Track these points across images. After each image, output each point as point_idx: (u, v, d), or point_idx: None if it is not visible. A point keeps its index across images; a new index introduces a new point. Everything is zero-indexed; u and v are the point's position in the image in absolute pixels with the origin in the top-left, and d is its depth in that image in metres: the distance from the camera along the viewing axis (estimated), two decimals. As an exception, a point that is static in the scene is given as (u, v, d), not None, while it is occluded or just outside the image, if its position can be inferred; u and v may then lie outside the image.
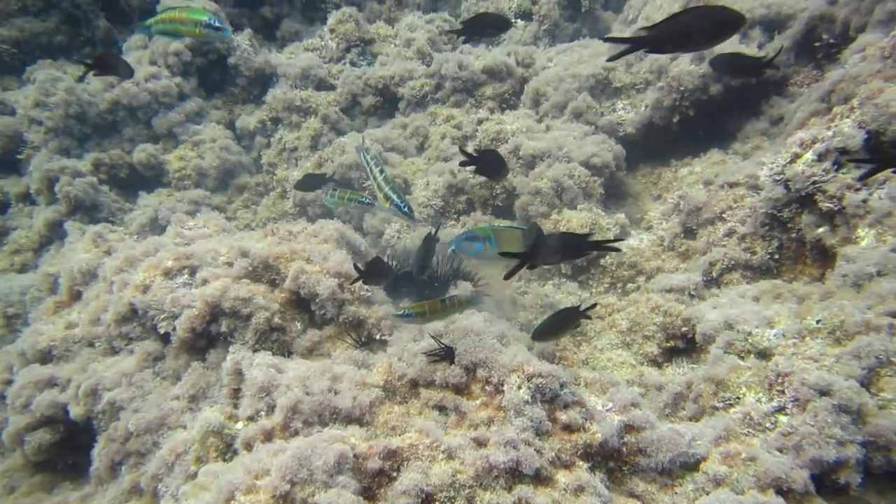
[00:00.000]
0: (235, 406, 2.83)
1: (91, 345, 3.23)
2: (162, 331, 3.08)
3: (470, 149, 4.45)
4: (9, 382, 3.36)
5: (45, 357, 3.28)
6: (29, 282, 4.69)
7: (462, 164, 3.07)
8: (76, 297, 3.53)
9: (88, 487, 2.94)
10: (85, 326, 3.26)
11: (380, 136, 5.61)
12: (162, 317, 3.04)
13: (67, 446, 3.10)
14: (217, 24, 3.16)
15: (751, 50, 4.63)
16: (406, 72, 6.09)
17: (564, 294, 4.26)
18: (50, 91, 5.76)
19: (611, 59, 2.43)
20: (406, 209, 3.61)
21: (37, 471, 3.10)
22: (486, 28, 4.26)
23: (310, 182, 4.74)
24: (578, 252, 2.64)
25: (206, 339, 3.09)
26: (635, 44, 2.09)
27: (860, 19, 4.05)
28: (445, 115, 5.76)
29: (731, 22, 2.15)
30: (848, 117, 3.28)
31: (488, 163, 3.14)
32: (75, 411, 2.97)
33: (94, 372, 3.02)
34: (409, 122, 5.87)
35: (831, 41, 4.37)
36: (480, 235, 3.28)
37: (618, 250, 3.63)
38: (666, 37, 2.05)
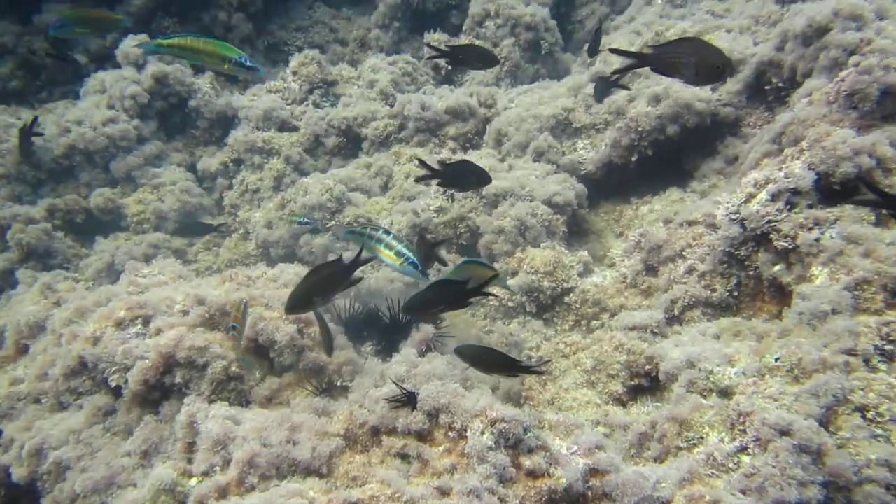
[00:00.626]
0: (190, 461, 2.73)
1: (37, 401, 3.09)
2: (113, 384, 2.98)
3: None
4: (-52, 442, 3.20)
5: (-12, 415, 3.13)
6: (-24, 333, 4.50)
7: (418, 179, 3.07)
8: (23, 351, 3.39)
9: (30, 554, 2.79)
10: (31, 382, 3.12)
11: (343, 175, 5.60)
12: (113, 369, 2.94)
13: (9, 511, 2.95)
14: (249, 64, 3.09)
15: (705, 92, 4.76)
16: (369, 112, 6.12)
17: (529, 332, 4.25)
18: (2, 137, 5.64)
19: (615, 73, 2.49)
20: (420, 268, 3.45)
21: (-24, 537, 2.93)
22: (473, 60, 4.27)
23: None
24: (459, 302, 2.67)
25: (160, 392, 3.00)
26: (639, 59, 2.16)
27: (806, 65, 4.21)
28: (409, 155, 5.78)
29: (718, 70, 2.23)
30: (798, 159, 3.37)
31: (454, 174, 3.09)
32: (18, 473, 2.83)
33: (40, 430, 2.89)
34: (373, 161, 5.87)
35: (780, 85, 4.53)
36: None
37: (491, 294, 3.54)
38: (665, 59, 2.13)
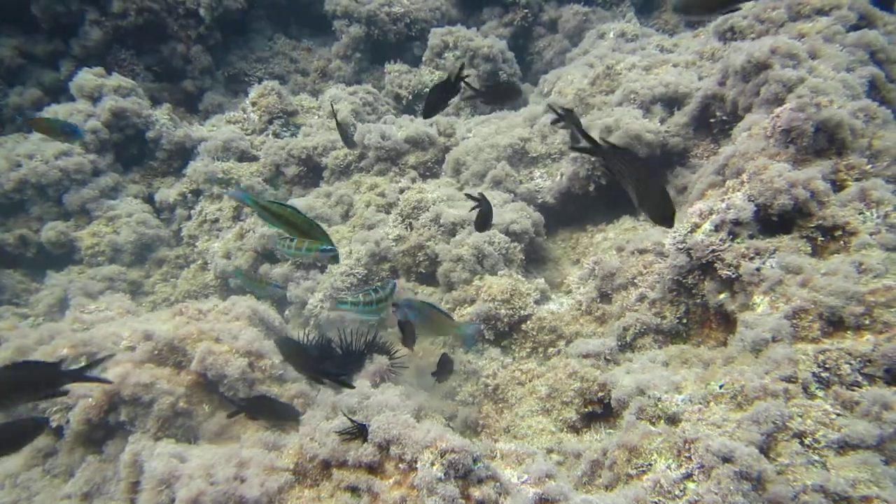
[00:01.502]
0: (133, 502, 2.66)
1: (-26, 443, 2.99)
2: (55, 424, 2.89)
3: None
4: None
5: (-80, 459, 3.01)
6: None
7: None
8: (-39, 390, 3.28)
9: None
10: (-32, 422, 3.02)
11: (303, 205, 5.60)
12: (54, 409, 2.86)
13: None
14: (328, 248, 3.23)
15: (654, 124, 4.90)
16: (329, 142, 6.16)
17: (487, 360, 4.26)
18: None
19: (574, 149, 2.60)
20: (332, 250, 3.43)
21: None
22: (504, 96, 4.34)
23: None
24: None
25: (103, 430, 2.93)
26: (594, 149, 2.21)
27: (746, 100, 4.37)
28: (370, 184, 5.82)
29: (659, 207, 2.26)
30: (739, 191, 3.48)
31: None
32: (-50, 520, 2.73)
33: (-24, 473, 2.79)
34: (334, 190, 5.89)
35: (724, 118, 4.69)
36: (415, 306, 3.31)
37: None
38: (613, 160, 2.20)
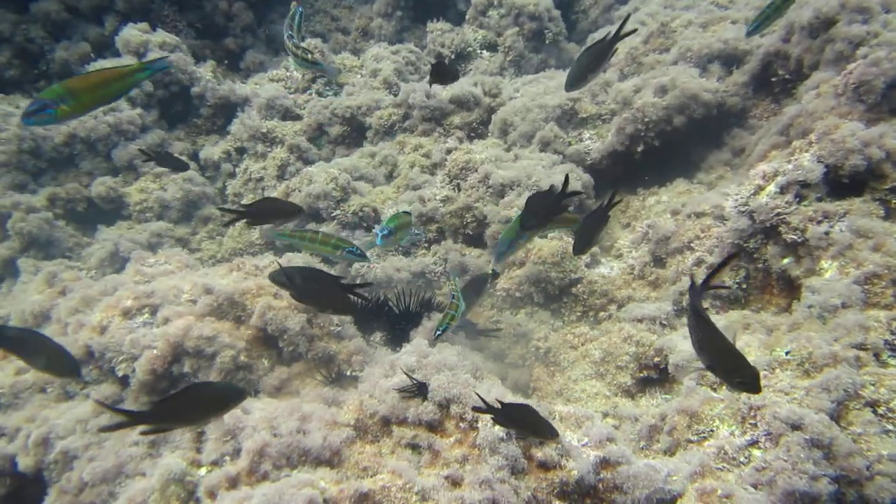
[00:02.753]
0: (199, 451, 2.72)
1: (43, 391, 3.07)
2: (120, 373, 2.96)
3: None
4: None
5: (-6, 405, 3.12)
6: (-22, 321, 4.47)
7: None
8: (29, 339, 3.36)
9: (39, 544, 2.78)
10: (36, 372, 3.10)
11: (348, 165, 5.57)
12: (121, 359, 2.92)
13: (15, 500, 2.92)
14: (359, 252, 3.35)
15: (711, 83, 4.72)
16: (373, 101, 6.09)
17: (537, 323, 4.24)
18: (1, 126, 5.58)
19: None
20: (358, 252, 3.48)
21: (-17, 527, 2.92)
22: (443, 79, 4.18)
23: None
24: None
25: (167, 381, 2.98)
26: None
27: (812, 57, 4.18)
28: (414, 144, 5.75)
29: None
30: (807, 151, 3.36)
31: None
32: (24, 462, 2.81)
33: (46, 420, 2.87)
34: (378, 150, 5.84)
35: (787, 77, 4.51)
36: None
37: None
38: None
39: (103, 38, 6.85)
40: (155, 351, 2.90)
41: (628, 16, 3.74)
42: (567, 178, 3.12)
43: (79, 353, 2.98)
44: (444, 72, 4.05)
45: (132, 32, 6.11)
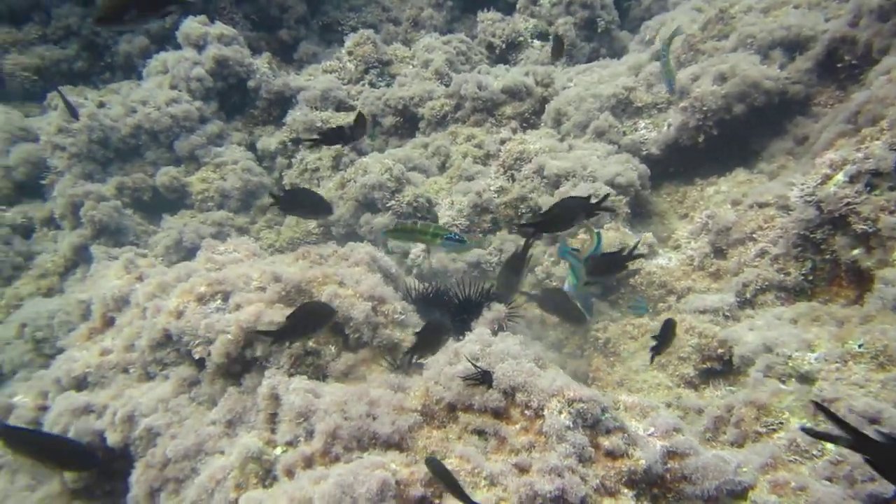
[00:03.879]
0: (273, 431, 2.82)
1: (126, 371, 3.22)
2: (197, 356, 3.08)
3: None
4: (43, 409, 3.36)
5: (80, 384, 3.28)
6: (56, 306, 4.70)
7: None
8: (109, 323, 3.53)
9: (126, 515, 2.94)
10: (119, 353, 3.26)
11: (401, 155, 5.63)
12: (197, 342, 3.04)
13: (104, 473, 3.09)
14: (457, 238, 3.48)
15: (773, 70, 4.62)
16: (425, 92, 6.14)
17: (595, 313, 4.24)
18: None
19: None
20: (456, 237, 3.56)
21: (74, 498, 3.08)
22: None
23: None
24: None
25: (240, 364, 3.09)
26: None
27: (882, 41, 4.06)
28: (466, 135, 5.79)
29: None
30: (878, 139, 3.27)
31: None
32: (112, 438, 2.96)
33: (130, 398, 3.01)
34: (430, 141, 5.89)
35: (853, 62, 4.38)
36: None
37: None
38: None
39: (164, 31, 7.06)
40: (229, 336, 3.00)
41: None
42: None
43: (158, 335, 3.12)
44: None
45: (192, 25, 6.28)
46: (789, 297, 3.53)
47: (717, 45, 5.27)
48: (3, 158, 5.91)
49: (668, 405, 3.19)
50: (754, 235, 3.84)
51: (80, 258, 5.46)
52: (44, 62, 7.11)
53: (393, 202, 5.23)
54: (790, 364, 2.87)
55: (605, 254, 3.34)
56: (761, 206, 3.93)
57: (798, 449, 2.52)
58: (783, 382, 2.84)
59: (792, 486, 2.33)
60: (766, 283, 3.58)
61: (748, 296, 3.61)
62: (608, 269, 3.25)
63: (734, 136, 4.83)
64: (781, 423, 2.69)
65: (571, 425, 2.57)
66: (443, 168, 5.75)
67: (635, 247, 3.20)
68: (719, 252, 4.04)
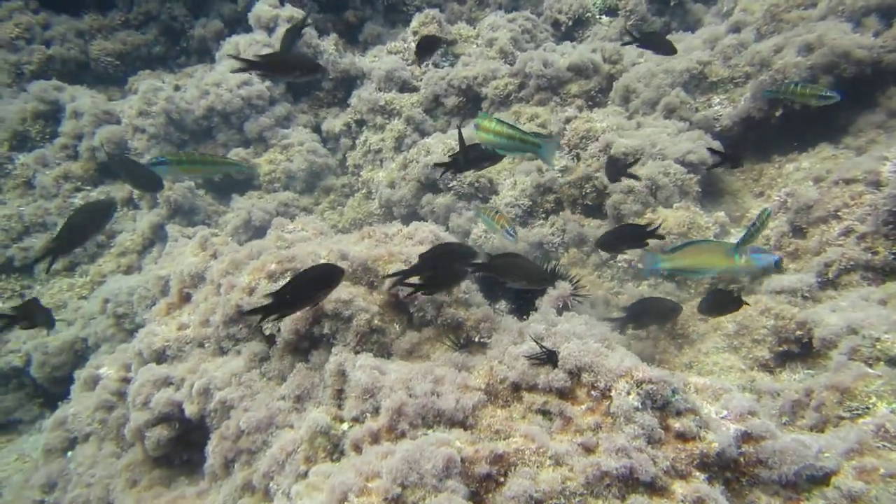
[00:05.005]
0: (340, 407, 2.87)
1: (201, 345, 3.35)
2: (267, 332, 3.16)
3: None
4: (125, 380, 3.54)
5: (160, 357, 3.43)
6: (136, 282, 4.93)
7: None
8: (186, 299, 3.67)
9: (203, 483, 3.05)
10: (195, 328, 3.38)
11: (465, 135, 5.58)
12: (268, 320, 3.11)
13: (182, 443, 3.23)
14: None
15: (866, 38, 4.33)
16: (489, 71, 6.06)
17: (661, 294, 4.12)
18: (151, 100, 6.05)
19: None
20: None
21: (155, 466, 3.24)
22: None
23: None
24: None
25: (308, 341, 3.15)
26: None
27: None
28: (530, 114, 5.69)
29: None
30: None
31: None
32: (190, 409, 3.09)
33: (205, 372, 3.13)
34: (494, 121, 5.82)
35: (960, 25, 4.05)
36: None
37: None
38: None
39: (237, 14, 7.22)
40: (298, 313, 3.07)
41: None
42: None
43: (231, 312, 3.22)
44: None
45: (263, 8, 6.40)
46: (877, 278, 3.33)
47: (802, 14, 4.98)
48: (89, 140, 6.21)
49: (742, 388, 3.08)
50: (839, 213, 3.64)
51: (156, 237, 5.71)
52: (126, 47, 7.40)
53: (454, 182, 5.21)
54: (878, 346, 2.70)
55: (629, 224, 3.47)
56: (848, 182, 3.71)
57: (888, 435, 2.38)
58: (870, 366, 2.68)
59: (881, 472, 2.21)
60: (852, 262, 3.38)
61: (831, 276, 3.43)
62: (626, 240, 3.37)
63: (819, 109, 4.56)
64: (868, 408, 2.55)
65: (640, 406, 2.51)
66: (507, 148, 5.67)
67: (658, 227, 3.29)
68: (798, 231, 3.84)
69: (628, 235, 3.38)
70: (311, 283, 2.70)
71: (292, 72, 3.29)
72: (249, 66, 3.23)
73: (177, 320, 3.48)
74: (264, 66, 3.26)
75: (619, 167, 3.93)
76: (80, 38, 7.27)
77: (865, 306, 2.98)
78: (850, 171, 3.69)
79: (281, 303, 2.62)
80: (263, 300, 2.86)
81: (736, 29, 5.28)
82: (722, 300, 3.15)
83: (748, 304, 3.20)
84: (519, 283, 3.15)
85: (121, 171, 3.53)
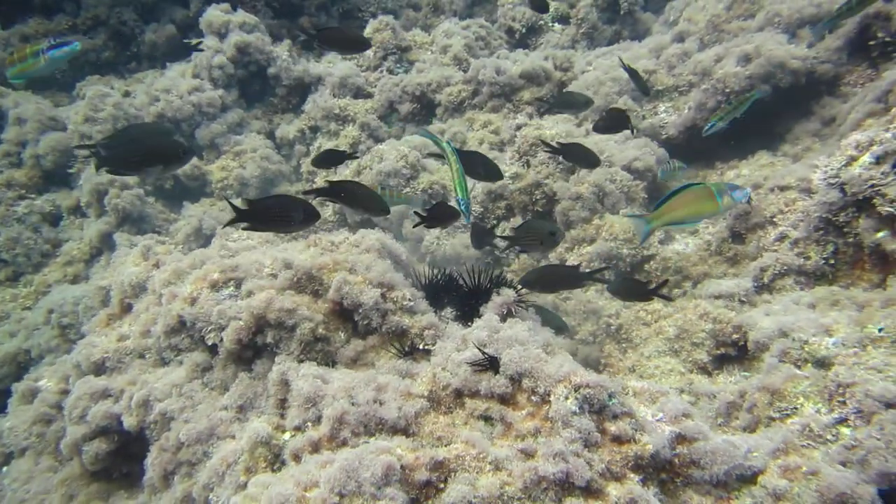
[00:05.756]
0: (282, 416, 2.85)
1: (142, 356, 3.29)
2: (210, 342, 3.12)
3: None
4: (65, 392, 3.46)
5: (99, 368, 3.35)
6: (81, 292, 4.82)
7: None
8: (127, 309, 3.60)
9: (142, 497, 3.00)
10: (136, 338, 3.32)
11: (418, 142, 5.62)
12: (209, 328, 3.08)
13: (121, 456, 3.16)
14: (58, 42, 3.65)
15: (801, 49, 4.49)
16: (443, 78, 6.10)
17: (608, 300, 4.20)
18: (99, 106, 5.93)
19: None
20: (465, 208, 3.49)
21: (93, 480, 3.17)
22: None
23: (329, 158, 4.11)
24: None
25: (252, 350, 3.12)
26: None
27: (918, 15, 3.91)
28: (483, 121, 5.75)
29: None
30: (908, 118, 3.16)
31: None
32: (129, 422, 3.03)
33: (146, 383, 3.07)
34: (447, 128, 5.86)
35: (887, 39, 4.23)
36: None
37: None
38: None
39: (189, 20, 7.14)
40: (241, 322, 3.04)
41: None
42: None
43: (172, 322, 3.17)
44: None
45: (215, 13, 6.34)
46: (809, 282, 3.45)
47: (742, 25, 5.14)
48: (34, 147, 6.05)
49: (681, 391, 3.15)
50: (774, 219, 3.75)
51: (104, 246, 5.59)
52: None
53: (408, 189, 5.22)
54: (806, 349, 2.80)
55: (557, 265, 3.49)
56: (782, 189, 3.83)
57: (812, 434, 2.47)
58: (799, 367, 2.77)
59: (803, 470, 2.28)
60: (785, 267, 3.49)
61: (766, 280, 3.53)
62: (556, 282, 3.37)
63: (758, 117, 4.70)
64: (796, 408, 2.64)
65: (577, 410, 2.55)
66: (460, 154, 5.71)
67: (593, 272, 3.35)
68: (738, 236, 3.96)
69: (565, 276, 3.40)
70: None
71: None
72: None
73: (117, 331, 3.42)
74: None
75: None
76: (24, 43, 7.09)
77: (796, 310, 3.08)
78: (784, 179, 3.82)
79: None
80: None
81: (680, 38, 5.43)
82: (634, 289, 3.21)
83: (669, 299, 3.27)
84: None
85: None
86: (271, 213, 2.80)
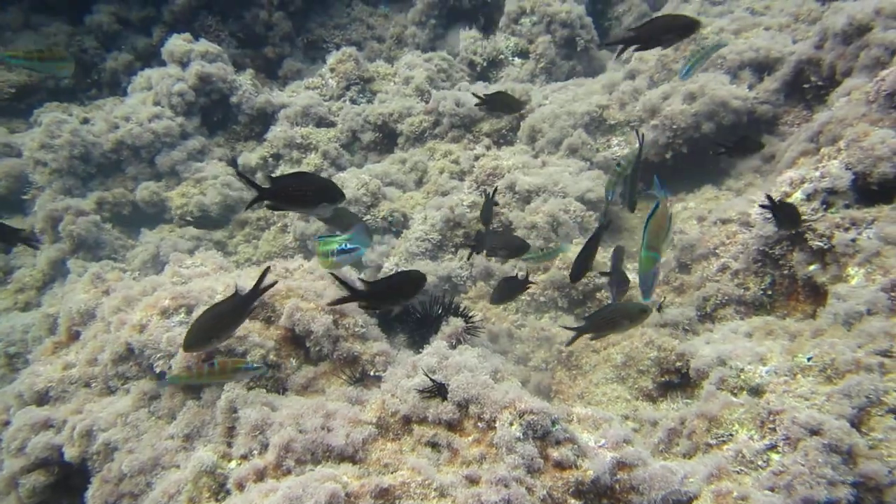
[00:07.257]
0: (230, 445, 2.84)
1: (88, 385, 3.24)
2: (158, 370, 3.10)
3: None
4: (6, 424, 3.37)
5: (43, 398, 3.29)
6: (31, 320, 4.72)
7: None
8: (74, 337, 3.55)
9: (81, 530, 2.94)
10: (82, 367, 3.28)
11: (379, 171, 5.70)
12: (158, 356, 3.06)
13: (62, 488, 3.09)
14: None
15: (742, 90, 4.70)
16: (405, 108, 6.21)
17: (560, 328, 4.28)
18: (55, 133, 5.89)
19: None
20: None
21: (32, 512, 3.09)
22: (502, 107, 4.50)
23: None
24: None
25: (201, 378, 3.11)
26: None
27: (845, 64, 4.15)
28: (444, 151, 5.86)
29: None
30: (835, 158, 3.34)
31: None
32: (70, 453, 2.97)
33: (90, 413, 3.03)
34: (408, 157, 5.96)
35: (819, 83, 4.48)
36: None
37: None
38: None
39: (151, 48, 7.16)
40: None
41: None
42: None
43: (120, 349, 3.14)
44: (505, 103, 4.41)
45: (176, 42, 6.37)
46: (748, 312, 3.58)
47: (688, 65, 5.36)
48: (-13, 173, 5.97)
49: (626, 417, 3.22)
50: (717, 251, 3.90)
51: (57, 272, 5.50)
52: (31, 79, 7.19)
53: (368, 217, 5.28)
54: (742, 377, 2.90)
55: (509, 278, 3.66)
56: (724, 222, 3.99)
57: (744, 460, 2.55)
58: (735, 395, 2.87)
59: (734, 495, 2.36)
60: (726, 297, 3.63)
61: (708, 310, 3.66)
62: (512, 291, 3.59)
63: (704, 153, 4.90)
64: (731, 434, 2.73)
65: (521, 437, 2.60)
66: (420, 183, 5.81)
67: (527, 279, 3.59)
68: (684, 267, 4.09)
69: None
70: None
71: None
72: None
73: (63, 360, 3.37)
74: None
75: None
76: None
77: (734, 339, 3.20)
78: (726, 212, 3.98)
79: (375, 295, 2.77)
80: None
81: (632, 76, 5.64)
82: (512, 285, 3.52)
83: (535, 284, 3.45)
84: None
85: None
86: (294, 191, 2.73)
